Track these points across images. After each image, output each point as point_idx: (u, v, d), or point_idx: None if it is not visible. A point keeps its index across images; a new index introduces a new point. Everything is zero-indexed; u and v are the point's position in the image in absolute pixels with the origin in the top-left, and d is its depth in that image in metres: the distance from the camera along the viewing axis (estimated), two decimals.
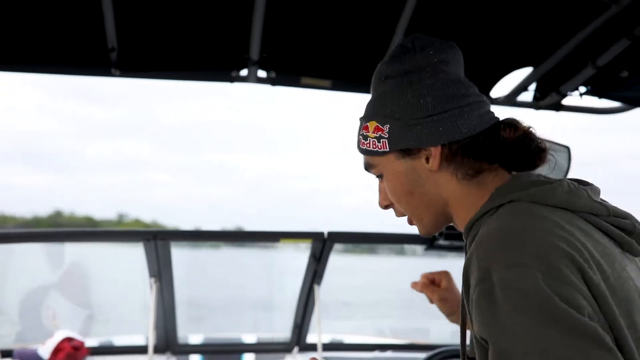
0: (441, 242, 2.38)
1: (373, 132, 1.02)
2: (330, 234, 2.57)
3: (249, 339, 3.27)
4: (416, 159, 1.00)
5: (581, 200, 0.93)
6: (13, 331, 3.37)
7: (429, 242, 2.51)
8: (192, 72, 1.76)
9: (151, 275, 2.56)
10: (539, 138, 1.00)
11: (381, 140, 1.01)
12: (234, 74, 1.73)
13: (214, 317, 7.79)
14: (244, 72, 1.74)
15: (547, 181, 0.94)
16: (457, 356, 1.93)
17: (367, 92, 1.83)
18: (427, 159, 0.99)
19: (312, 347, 2.84)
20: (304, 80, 1.78)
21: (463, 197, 1.00)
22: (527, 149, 0.98)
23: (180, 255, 2.77)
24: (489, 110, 1.02)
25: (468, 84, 1.02)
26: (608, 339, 0.77)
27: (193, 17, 1.60)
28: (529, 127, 1.00)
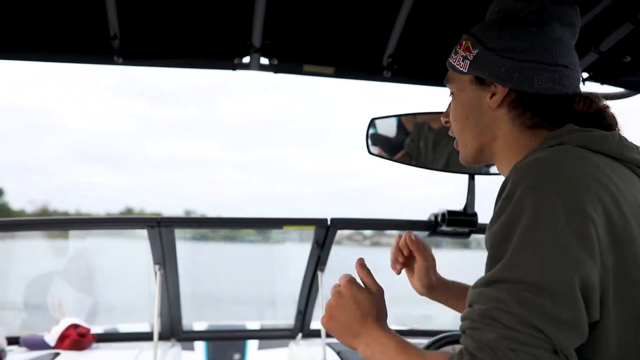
0: (444, 228, 2.38)
1: (463, 51, 1.07)
2: (333, 220, 2.58)
3: (253, 325, 3.29)
4: (484, 91, 1.05)
5: (631, 152, 0.95)
6: (19, 318, 3.40)
7: (431, 228, 2.51)
8: (195, 59, 1.76)
9: (155, 262, 2.57)
10: (612, 116, 1.02)
11: (464, 61, 1.06)
12: (236, 61, 1.73)
13: (218, 309, 7.81)
14: (246, 60, 1.74)
15: (597, 130, 0.96)
16: (459, 342, 1.95)
17: (369, 78, 1.86)
18: (493, 95, 1.03)
19: (316, 334, 2.86)
20: (307, 67, 1.78)
21: (514, 140, 1.03)
22: (595, 125, 1.00)
23: (184, 248, 2.78)
24: (575, 81, 1.04)
25: (568, 48, 1.03)
26: (575, 298, 0.79)
27: (195, 5, 1.60)
28: (606, 106, 1.03)
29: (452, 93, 1.12)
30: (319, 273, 2.72)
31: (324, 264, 2.71)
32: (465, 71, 1.06)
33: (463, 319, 0.85)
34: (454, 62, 1.09)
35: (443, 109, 1.18)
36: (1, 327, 2.66)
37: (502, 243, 0.84)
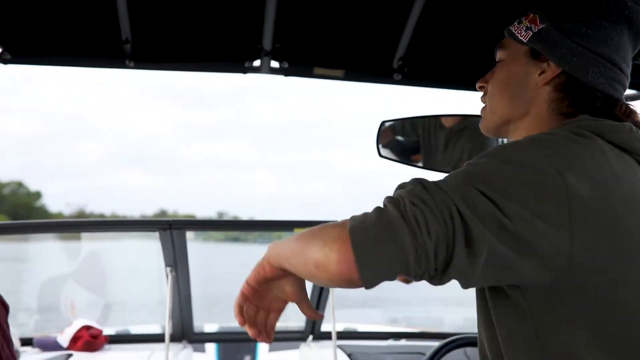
0: None
1: (528, 22, 1.07)
2: None
3: None
4: (534, 67, 1.05)
5: None
6: (32, 320, 3.43)
7: None
8: (206, 63, 1.77)
9: (167, 264, 2.59)
10: None
11: (527, 31, 1.06)
12: (247, 64, 1.74)
13: (229, 311, 7.82)
14: (256, 63, 1.74)
15: (609, 120, 0.97)
16: (470, 344, 1.94)
17: (379, 81, 1.86)
18: (542, 73, 1.03)
19: (327, 336, 2.86)
20: (317, 70, 1.78)
21: (542, 122, 1.04)
22: None
23: (194, 250, 2.80)
24: (623, 88, 1.04)
25: (627, 55, 1.03)
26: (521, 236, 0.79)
27: (206, 9, 1.61)
28: None
29: (499, 60, 1.12)
30: None
31: None
32: (525, 41, 1.06)
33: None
34: (515, 30, 1.08)
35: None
36: (15, 328, 2.68)
37: (477, 159, 0.86)
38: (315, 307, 2.89)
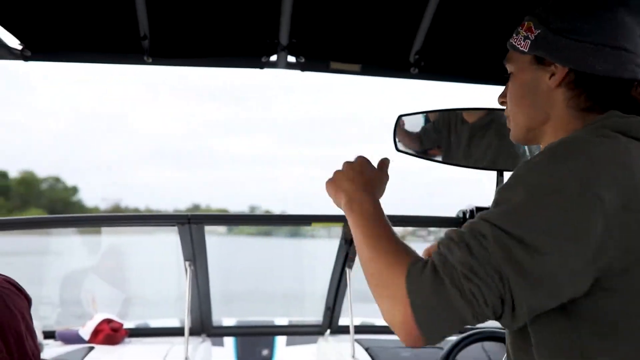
0: None
1: (524, 31, 1.07)
2: None
3: (282, 321, 3.32)
4: (542, 71, 1.05)
5: None
6: (55, 313, 3.48)
7: (460, 224, 2.49)
8: (223, 58, 1.78)
9: (186, 258, 2.61)
10: None
11: (525, 41, 1.06)
12: (264, 59, 1.75)
13: (246, 305, 7.87)
14: (273, 58, 1.75)
15: (637, 117, 0.96)
16: (488, 339, 1.94)
17: (396, 76, 1.86)
18: (552, 76, 1.03)
19: (344, 330, 2.87)
20: (333, 65, 1.79)
21: (565, 122, 1.03)
22: None
23: (223, 244, 2.81)
24: (637, 67, 1.02)
25: (632, 33, 1.02)
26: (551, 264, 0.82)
27: (223, 4, 1.62)
28: None
29: (510, 73, 1.12)
30: (347, 270, 2.73)
31: (353, 260, 2.71)
32: (526, 51, 1.06)
33: (445, 234, 0.89)
34: (515, 42, 1.09)
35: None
36: (38, 321, 2.72)
37: (506, 190, 0.88)
38: (332, 301, 2.91)
